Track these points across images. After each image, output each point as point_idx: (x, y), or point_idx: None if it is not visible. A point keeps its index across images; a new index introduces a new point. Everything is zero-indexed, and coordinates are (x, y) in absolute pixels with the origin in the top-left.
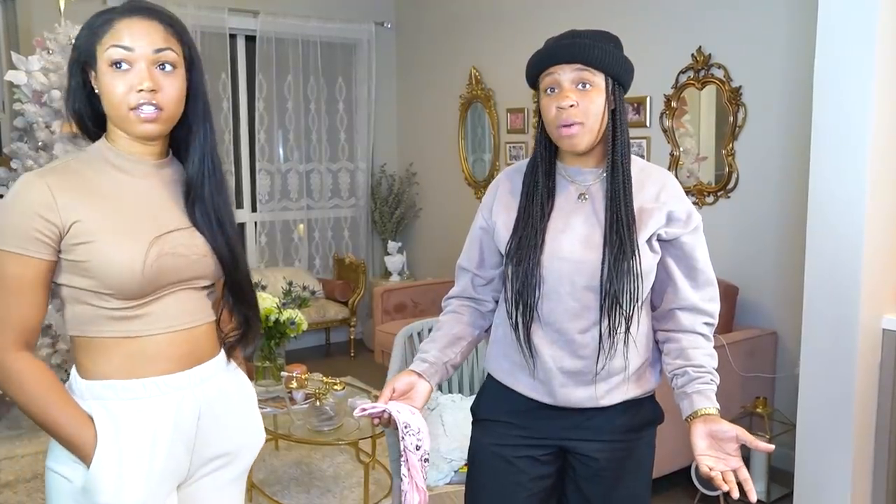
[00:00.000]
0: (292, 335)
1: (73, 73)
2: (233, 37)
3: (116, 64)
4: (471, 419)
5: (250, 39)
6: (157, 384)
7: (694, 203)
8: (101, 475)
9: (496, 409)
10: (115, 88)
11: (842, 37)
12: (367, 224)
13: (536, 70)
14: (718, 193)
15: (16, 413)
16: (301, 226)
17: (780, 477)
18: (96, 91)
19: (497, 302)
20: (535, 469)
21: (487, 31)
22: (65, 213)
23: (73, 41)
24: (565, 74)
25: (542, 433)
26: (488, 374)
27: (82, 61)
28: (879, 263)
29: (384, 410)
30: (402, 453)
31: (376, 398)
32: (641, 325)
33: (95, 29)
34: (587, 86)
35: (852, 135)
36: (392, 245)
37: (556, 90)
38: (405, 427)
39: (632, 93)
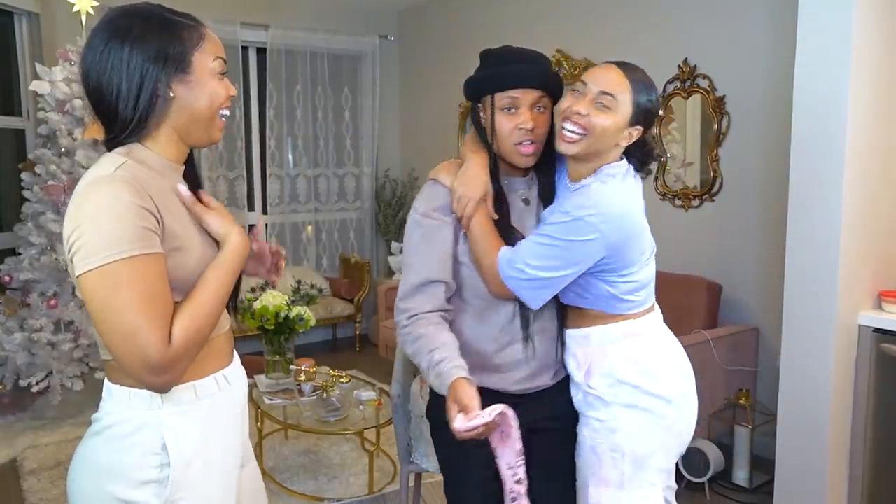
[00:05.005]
0: (301, 330)
1: (150, 76)
2: (245, 49)
3: (221, 73)
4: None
5: (261, 52)
6: (224, 377)
7: (680, 206)
8: (187, 473)
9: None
10: (218, 92)
11: (820, 49)
12: (372, 226)
13: (496, 89)
14: (703, 197)
15: (39, 403)
16: (309, 227)
17: (761, 464)
18: (171, 96)
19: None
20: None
21: (484, 44)
22: (156, 211)
23: (149, 49)
24: (526, 97)
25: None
26: None
27: (173, 67)
28: (855, 263)
29: (502, 411)
30: (519, 455)
31: (381, 391)
32: None
33: (187, 36)
34: (542, 109)
35: (830, 142)
36: (395, 245)
37: (513, 110)
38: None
39: None
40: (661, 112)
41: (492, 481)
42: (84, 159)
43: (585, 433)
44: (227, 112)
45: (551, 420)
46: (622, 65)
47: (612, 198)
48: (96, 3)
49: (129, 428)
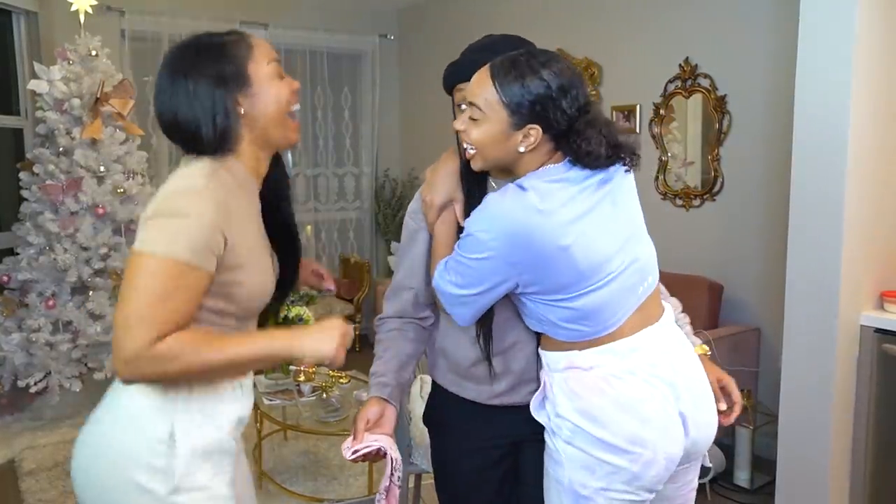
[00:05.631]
0: None
1: (219, 99)
2: None
3: (279, 74)
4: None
5: None
6: (242, 386)
7: (681, 206)
8: (192, 464)
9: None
10: (282, 94)
11: (822, 48)
12: (372, 225)
13: (450, 84)
14: (704, 196)
15: (38, 404)
16: (308, 227)
17: (762, 465)
18: (241, 112)
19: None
20: (499, 466)
21: None
22: (228, 232)
23: (209, 76)
24: None
25: (498, 432)
26: (437, 385)
27: (234, 86)
28: (858, 263)
29: (379, 448)
30: (387, 487)
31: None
32: None
33: (237, 53)
34: None
35: (832, 141)
36: (395, 245)
37: (465, 106)
38: (397, 464)
39: (623, 101)
40: (662, 111)
41: (485, 484)
42: (82, 158)
43: (544, 454)
44: (297, 107)
45: (533, 434)
46: (494, 65)
47: (502, 212)
48: (95, 2)
49: (140, 413)
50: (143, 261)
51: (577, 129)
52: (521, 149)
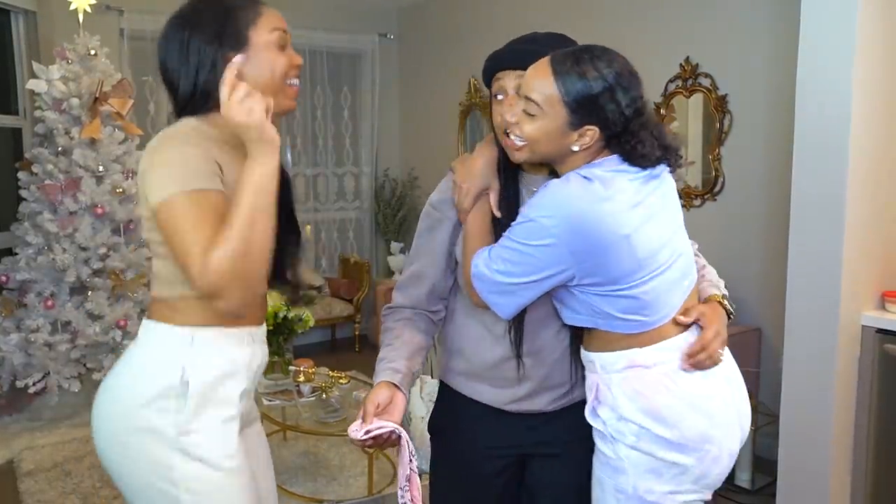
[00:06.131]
0: (300, 331)
1: (207, 55)
2: None
3: (281, 45)
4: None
5: None
6: (251, 335)
7: (682, 205)
8: (202, 409)
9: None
10: (278, 63)
11: (823, 47)
12: (371, 225)
13: (489, 74)
14: (705, 196)
15: (36, 404)
16: (308, 227)
17: (763, 466)
18: None
19: (446, 308)
20: (502, 476)
21: (485, 42)
22: (220, 162)
23: (205, 31)
24: (510, 81)
25: (505, 441)
26: (448, 387)
27: (228, 45)
28: (859, 263)
29: (392, 431)
30: (409, 476)
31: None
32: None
33: (241, 15)
34: None
35: (833, 140)
36: (395, 245)
37: (500, 97)
38: (412, 452)
39: None
40: (663, 111)
41: (484, 494)
42: (81, 158)
43: (595, 463)
44: (295, 81)
45: (545, 446)
46: (556, 59)
47: (568, 198)
48: (93, 1)
49: (155, 361)
50: (165, 209)
51: (632, 131)
52: (575, 148)
